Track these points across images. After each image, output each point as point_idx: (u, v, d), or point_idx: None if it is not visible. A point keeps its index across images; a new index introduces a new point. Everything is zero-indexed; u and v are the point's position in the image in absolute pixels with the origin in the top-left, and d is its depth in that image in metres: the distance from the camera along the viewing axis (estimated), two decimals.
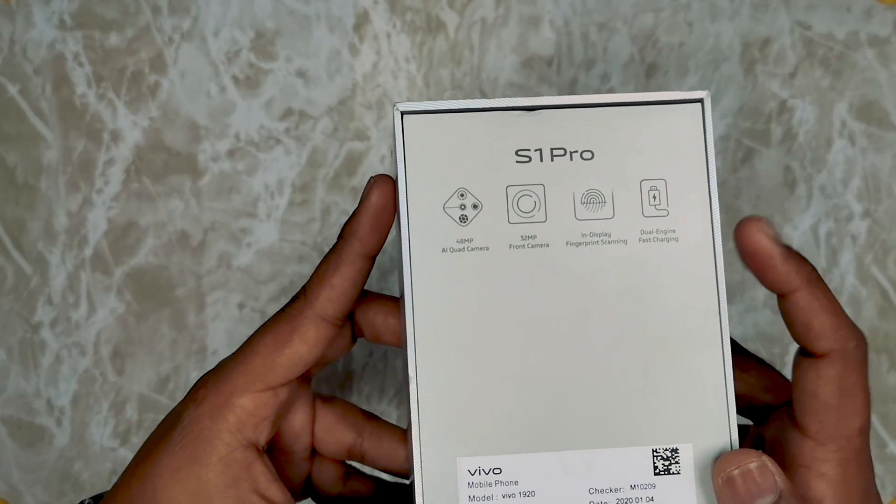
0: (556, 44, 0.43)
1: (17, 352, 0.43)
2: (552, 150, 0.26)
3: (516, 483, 0.25)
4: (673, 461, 0.26)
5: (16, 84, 0.43)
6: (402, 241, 0.26)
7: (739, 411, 0.27)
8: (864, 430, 0.27)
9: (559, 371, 0.26)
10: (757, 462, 0.25)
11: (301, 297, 0.28)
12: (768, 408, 0.30)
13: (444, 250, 0.26)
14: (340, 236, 0.28)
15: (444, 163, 0.26)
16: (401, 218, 0.26)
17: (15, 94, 0.43)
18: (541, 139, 0.26)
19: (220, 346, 0.43)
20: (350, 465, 0.33)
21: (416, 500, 0.25)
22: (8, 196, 0.43)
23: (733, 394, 0.26)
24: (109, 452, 0.43)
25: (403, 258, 0.26)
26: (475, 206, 0.26)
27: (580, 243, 0.26)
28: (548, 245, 0.26)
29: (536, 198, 0.26)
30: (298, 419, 0.31)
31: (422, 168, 0.26)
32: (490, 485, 0.25)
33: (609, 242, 0.26)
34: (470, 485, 0.25)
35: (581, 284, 0.26)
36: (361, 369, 0.43)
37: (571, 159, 0.26)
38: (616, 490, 0.26)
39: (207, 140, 0.43)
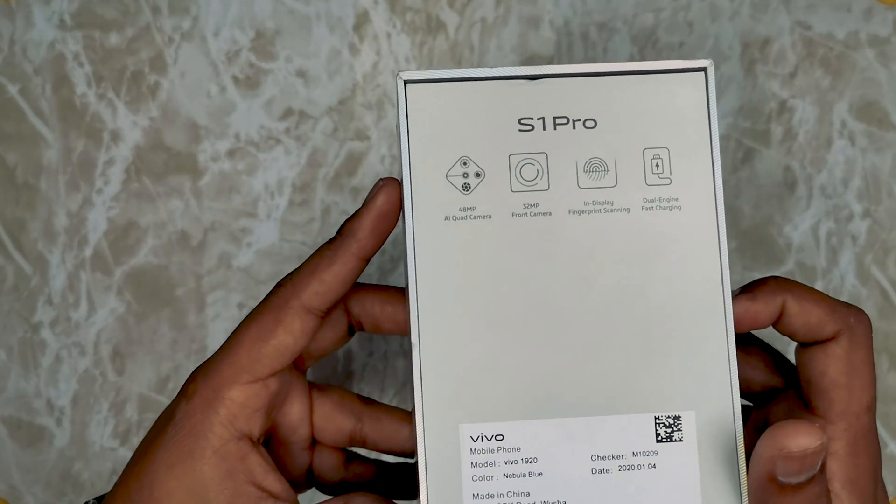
0: (556, 44, 0.43)
1: (17, 352, 0.43)
2: (555, 118, 0.26)
3: (518, 450, 0.26)
4: (675, 428, 0.26)
5: (16, 84, 0.43)
6: (405, 210, 0.26)
7: (742, 394, 0.27)
8: (872, 407, 0.27)
9: (561, 339, 0.26)
10: (821, 441, 0.24)
11: (287, 285, 0.28)
12: (770, 392, 0.30)
13: (446, 218, 0.26)
14: (339, 233, 0.28)
15: (447, 131, 0.26)
16: (404, 186, 0.26)
17: (15, 94, 0.43)
18: (544, 108, 0.26)
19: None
20: (351, 451, 0.33)
21: (419, 468, 0.25)
22: (8, 196, 0.43)
23: (736, 361, 0.26)
24: (109, 452, 0.43)
25: (406, 227, 0.26)
26: (478, 175, 0.26)
27: (582, 212, 0.26)
28: (550, 213, 0.26)
29: (539, 166, 0.26)
30: (295, 411, 0.30)
31: (424, 136, 0.26)
32: (492, 451, 0.25)
33: (612, 211, 0.26)
34: (472, 451, 0.25)
35: (583, 252, 0.26)
36: (361, 369, 0.43)
37: (574, 128, 0.26)
38: (618, 457, 0.26)
39: (207, 140, 0.43)
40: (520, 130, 0.26)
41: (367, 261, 0.28)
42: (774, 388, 0.30)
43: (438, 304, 0.26)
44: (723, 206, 0.26)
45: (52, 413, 0.43)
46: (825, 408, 0.27)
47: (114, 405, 0.43)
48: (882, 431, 0.43)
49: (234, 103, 0.43)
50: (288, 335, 0.28)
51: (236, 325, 0.40)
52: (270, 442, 0.31)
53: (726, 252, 0.26)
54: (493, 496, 0.25)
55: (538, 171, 0.26)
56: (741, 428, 0.26)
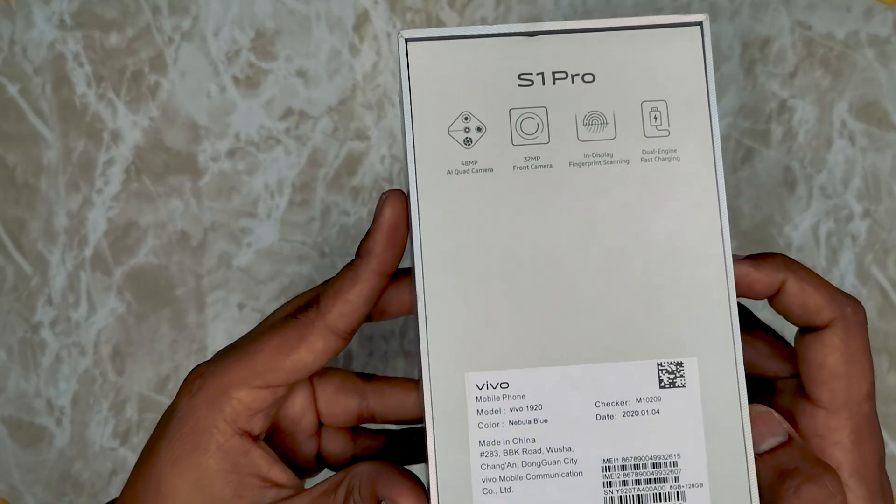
0: None
1: (17, 352, 0.43)
2: (554, 73, 0.27)
3: (523, 397, 0.26)
4: (678, 375, 0.26)
5: (16, 84, 0.43)
6: (408, 165, 0.26)
7: (747, 379, 0.27)
8: (872, 395, 0.27)
9: (564, 288, 0.26)
10: (763, 408, 0.26)
11: (314, 307, 0.28)
12: (773, 381, 0.30)
13: (449, 172, 0.26)
14: (357, 253, 0.28)
15: (448, 88, 0.27)
16: (406, 142, 0.27)
17: (15, 94, 0.43)
18: (542, 63, 0.27)
19: (220, 346, 0.42)
20: (357, 427, 0.34)
21: (426, 418, 0.26)
22: (8, 196, 0.43)
23: (737, 309, 0.26)
24: (109, 452, 0.43)
25: (409, 181, 0.26)
26: (479, 130, 0.27)
27: (583, 164, 0.27)
28: (551, 166, 0.26)
29: (539, 120, 0.27)
30: (298, 403, 0.31)
31: (426, 93, 0.27)
32: (498, 399, 0.26)
33: (611, 162, 0.27)
34: (478, 399, 0.26)
35: (584, 203, 0.26)
36: (362, 369, 0.43)
37: (573, 82, 0.27)
38: (622, 403, 0.26)
39: (207, 140, 0.43)
40: (519, 86, 0.27)
41: (388, 276, 0.28)
42: (778, 378, 0.30)
43: (441, 255, 0.26)
44: (721, 157, 0.27)
45: (52, 413, 0.43)
46: (827, 399, 0.27)
47: (114, 405, 0.43)
48: (882, 431, 0.43)
49: (234, 103, 0.43)
50: (309, 354, 0.28)
51: (236, 324, 0.40)
52: (276, 434, 0.31)
53: (725, 201, 0.26)
54: (499, 443, 0.26)
55: (538, 125, 0.27)
56: (743, 373, 0.26)
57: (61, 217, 0.43)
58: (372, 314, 0.31)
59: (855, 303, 0.27)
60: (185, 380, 0.29)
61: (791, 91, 0.43)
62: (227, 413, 0.28)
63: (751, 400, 0.27)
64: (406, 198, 0.27)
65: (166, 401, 0.43)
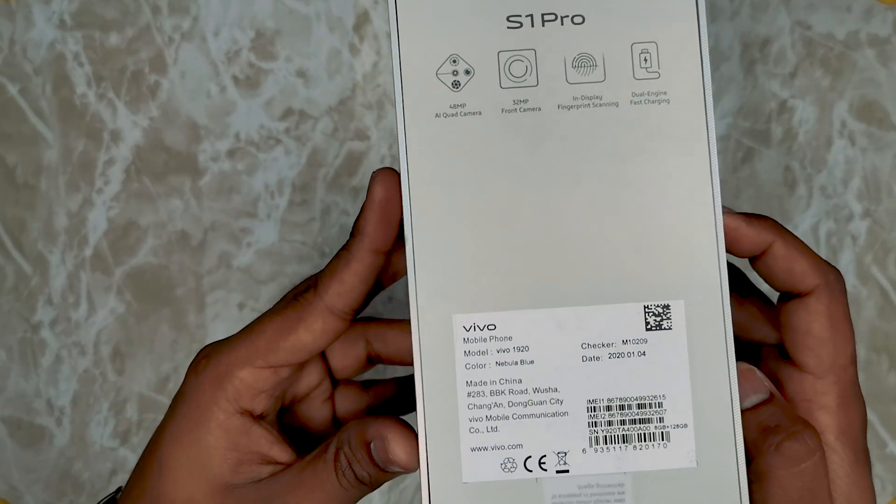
0: None
1: (17, 352, 0.43)
2: (543, 15, 0.27)
3: (510, 339, 0.26)
4: (664, 317, 0.26)
5: (16, 84, 0.43)
6: (397, 108, 0.27)
7: (736, 345, 0.27)
8: (854, 360, 0.28)
9: (552, 231, 0.26)
10: (747, 366, 0.27)
11: (312, 289, 0.29)
12: (758, 348, 0.31)
13: (437, 115, 0.26)
14: (351, 233, 0.29)
15: (436, 30, 0.27)
16: (395, 85, 0.27)
17: (15, 94, 0.43)
18: (531, 4, 0.27)
19: None
20: (365, 380, 0.35)
21: (414, 356, 0.26)
22: (8, 196, 0.43)
23: (725, 253, 0.26)
24: (109, 452, 0.43)
25: (398, 125, 0.26)
26: (467, 72, 0.27)
27: (572, 106, 0.26)
28: (540, 109, 0.26)
29: (528, 62, 0.27)
30: (314, 372, 0.32)
31: (414, 36, 0.27)
32: (485, 340, 0.26)
33: (600, 105, 0.26)
34: (465, 340, 0.26)
35: (573, 146, 0.26)
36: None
37: (562, 24, 0.27)
38: (608, 345, 0.26)
39: (207, 140, 0.43)
40: (508, 28, 0.27)
41: (383, 254, 0.28)
42: (765, 343, 0.31)
43: (430, 198, 0.26)
44: (711, 100, 0.27)
45: (52, 413, 0.43)
46: (814, 364, 0.28)
47: (114, 405, 0.43)
48: (882, 431, 0.43)
49: (234, 103, 0.43)
50: (308, 334, 0.28)
51: (236, 324, 0.40)
52: (292, 407, 0.32)
53: (715, 145, 0.27)
54: (485, 383, 0.26)
55: (527, 67, 0.27)
56: (730, 317, 0.26)
57: (61, 217, 0.43)
58: (383, 279, 0.31)
59: (836, 271, 0.28)
60: (193, 360, 0.29)
61: (791, 91, 0.43)
62: (230, 392, 0.28)
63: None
64: (397, 175, 0.27)
65: (166, 401, 0.43)
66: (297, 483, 0.28)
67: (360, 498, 0.28)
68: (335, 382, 0.33)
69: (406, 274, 0.31)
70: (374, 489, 0.28)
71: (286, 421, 0.32)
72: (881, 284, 0.43)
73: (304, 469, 0.28)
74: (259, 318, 0.29)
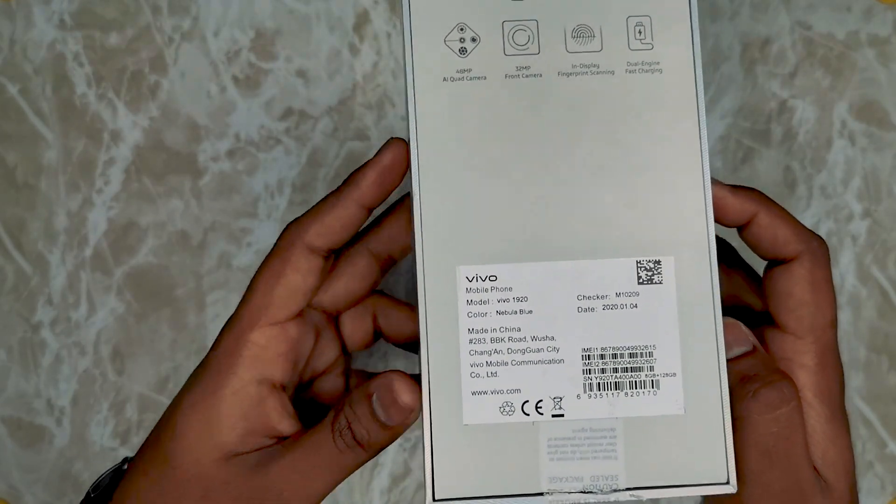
0: None
1: (17, 352, 0.43)
2: None
3: (510, 289, 0.28)
4: (656, 272, 0.28)
5: (16, 84, 0.43)
6: (406, 72, 0.28)
7: (725, 311, 0.29)
8: (834, 324, 0.29)
9: (551, 189, 0.28)
10: (732, 320, 0.29)
11: (291, 228, 0.29)
12: (749, 312, 0.32)
13: (444, 79, 0.28)
14: (344, 181, 0.29)
15: (445, 0, 0.29)
16: (405, 50, 0.28)
17: (15, 94, 0.43)
18: None
19: None
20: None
21: (419, 308, 0.27)
22: (8, 196, 0.43)
23: (713, 214, 0.28)
24: (109, 452, 0.43)
25: (407, 87, 0.28)
26: (474, 40, 0.28)
27: (570, 73, 0.28)
28: (541, 75, 0.28)
29: (530, 32, 0.28)
30: (329, 350, 0.33)
31: (425, 5, 0.28)
32: (486, 290, 0.28)
33: (597, 73, 0.28)
34: (468, 290, 0.28)
35: (571, 111, 0.28)
36: (362, 367, 0.43)
37: None
38: (602, 297, 0.28)
39: (207, 140, 0.43)
40: None
41: (368, 210, 0.29)
42: (752, 309, 0.32)
43: (436, 156, 0.28)
44: (701, 70, 0.28)
45: (52, 413, 0.43)
46: (794, 325, 0.29)
47: (114, 405, 0.43)
48: (882, 431, 0.43)
49: (234, 103, 0.43)
50: (296, 274, 0.29)
51: None
52: (311, 390, 0.33)
53: (704, 112, 0.28)
54: (486, 331, 0.28)
55: (529, 36, 0.28)
56: (717, 274, 0.28)
57: (61, 217, 0.43)
58: (395, 254, 0.33)
59: (820, 239, 0.29)
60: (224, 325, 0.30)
61: (791, 91, 0.43)
62: (246, 357, 0.29)
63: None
64: (408, 149, 0.28)
65: (166, 401, 0.43)
66: (294, 447, 0.28)
67: (355, 466, 0.29)
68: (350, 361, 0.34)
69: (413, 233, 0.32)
70: (370, 457, 0.29)
71: (304, 397, 0.33)
72: (881, 284, 0.43)
73: (303, 436, 0.29)
74: (251, 280, 0.30)
